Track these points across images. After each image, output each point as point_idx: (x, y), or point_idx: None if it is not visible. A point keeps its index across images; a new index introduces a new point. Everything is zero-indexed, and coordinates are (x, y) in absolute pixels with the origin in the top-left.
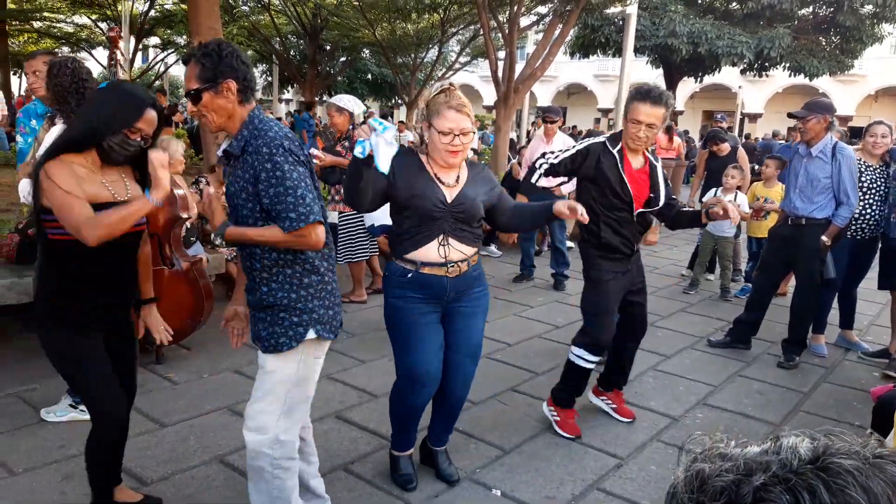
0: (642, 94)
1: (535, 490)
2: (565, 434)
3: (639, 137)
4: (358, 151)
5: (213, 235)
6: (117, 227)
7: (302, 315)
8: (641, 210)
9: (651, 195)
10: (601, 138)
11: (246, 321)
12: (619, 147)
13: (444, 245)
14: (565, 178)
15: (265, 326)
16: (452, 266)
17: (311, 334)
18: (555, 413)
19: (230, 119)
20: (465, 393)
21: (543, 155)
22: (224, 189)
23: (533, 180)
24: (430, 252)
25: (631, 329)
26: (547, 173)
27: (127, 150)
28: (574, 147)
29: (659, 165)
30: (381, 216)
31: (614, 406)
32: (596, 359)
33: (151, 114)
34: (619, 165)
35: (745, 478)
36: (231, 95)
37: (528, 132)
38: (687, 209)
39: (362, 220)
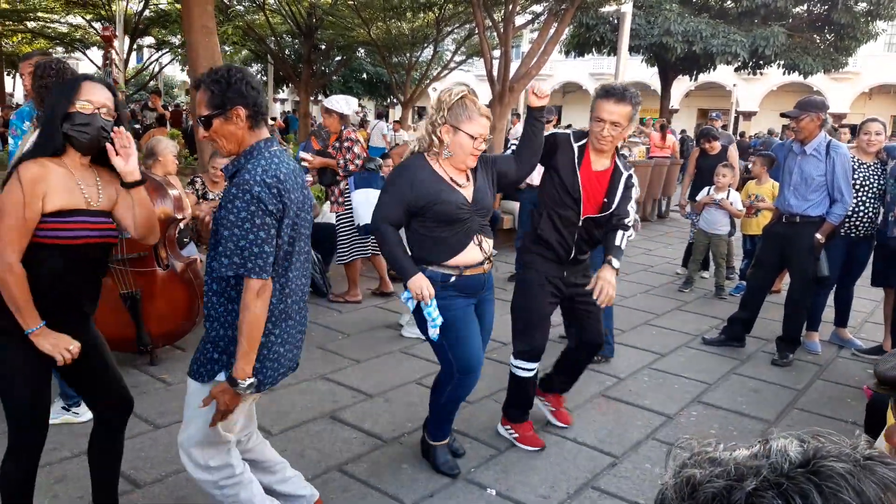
0: (606, 91)
1: (529, 489)
2: (529, 448)
3: (603, 136)
4: (403, 297)
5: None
6: (4, 289)
7: (222, 355)
8: (591, 216)
9: (605, 201)
10: (567, 130)
11: None
12: (581, 143)
13: (479, 245)
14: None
15: (197, 351)
16: (487, 262)
17: (221, 377)
18: (511, 430)
19: (240, 145)
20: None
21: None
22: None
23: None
24: (470, 255)
25: (583, 339)
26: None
27: (87, 130)
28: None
29: (627, 175)
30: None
31: (553, 409)
32: (533, 366)
33: (91, 85)
34: (576, 161)
35: (736, 483)
36: (241, 122)
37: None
38: (612, 236)
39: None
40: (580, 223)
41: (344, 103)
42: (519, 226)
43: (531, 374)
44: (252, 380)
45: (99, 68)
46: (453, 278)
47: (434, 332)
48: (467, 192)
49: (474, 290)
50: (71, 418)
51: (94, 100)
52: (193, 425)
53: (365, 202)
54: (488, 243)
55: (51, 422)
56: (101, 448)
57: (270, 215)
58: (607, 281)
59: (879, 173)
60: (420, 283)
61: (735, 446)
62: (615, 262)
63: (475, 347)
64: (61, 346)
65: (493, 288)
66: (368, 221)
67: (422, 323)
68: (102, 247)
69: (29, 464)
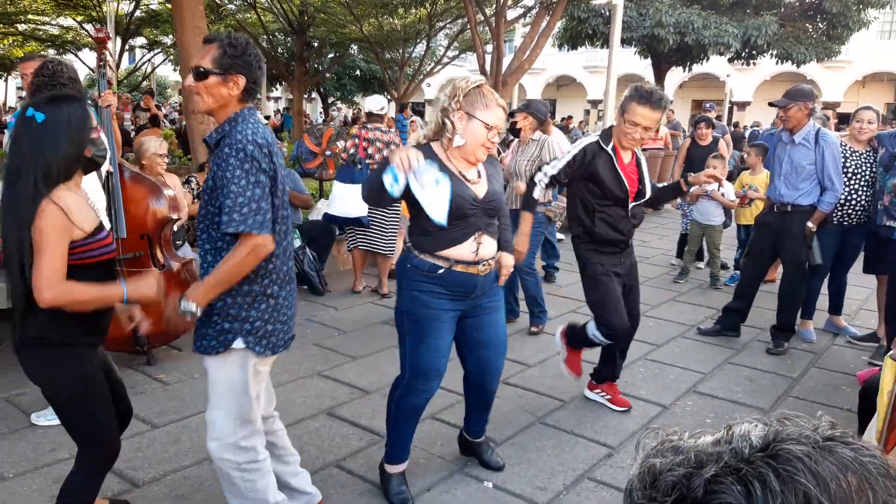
0: (644, 97)
1: (526, 481)
2: (617, 408)
3: (634, 139)
4: (388, 182)
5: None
6: (78, 304)
7: (234, 322)
8: (634, 203)
9: (640, 188)
10: (593, 137)
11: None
12: (611, 145)
13: (479, 242)
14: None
15: (199, 325)
16: (484, 264)
17: (238, 343)
18: (602, 393)
19: (222, 109)
20: (497, 385)
21: (540, 168)
22: None
23: (535, 196)
24: (464, 250)
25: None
26: (548, 185)
27: (103, 153)
28: (569, 153)
29: (643, 158)
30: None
31: (609, 397)
32: (607, 342)
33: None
34: (615, 162)
35: (696, 471)
36: (236, 90)
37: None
38: (665, 184)
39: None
40: (629, 214)
41: (373, 102)
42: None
43: (601, 343)
44: (194, 310)
45: (91, 70)
46: (441, 270)
47: (387, 180)
48: (478, 187)
49: (463, 292)
50: None
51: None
52: (225, 402)
53: (340, 197)
54: (489, 245)
55: (48, 423)
56: None
57: (264, 173)
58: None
59: (871, 161)
60: (402, 153)
61: (700, 433)
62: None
63: (437, 353)
64: (153, 284)
65: (502, 295)
66: (337, 214)
67: (400, 320)
68: (114, 259)
69: (101, 482)
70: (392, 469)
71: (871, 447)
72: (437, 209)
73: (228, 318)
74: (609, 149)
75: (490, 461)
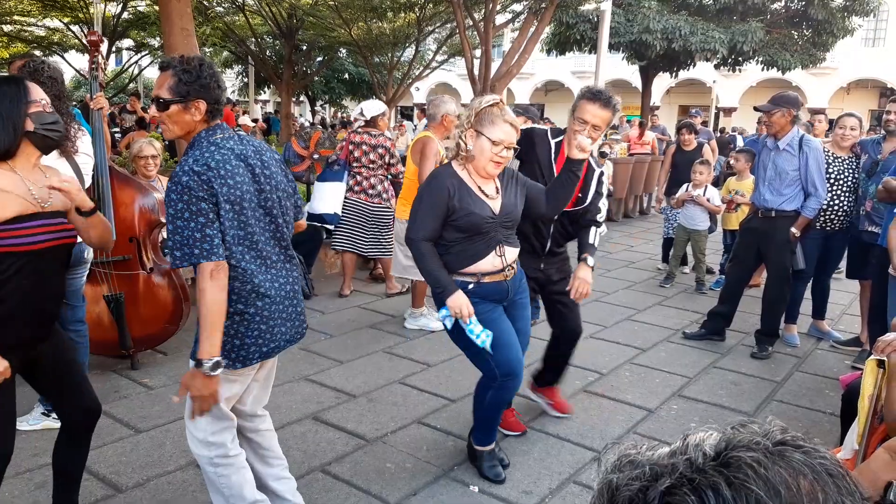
0: (593, 94)
1: (512, 485)
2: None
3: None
4: (441, 315)
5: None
6: None
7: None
8: (566, 210)
9: (579, 195)
10: (545, 126)
11: None
12: (558, 140)
13: (500, 255)
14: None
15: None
16: (509, 270)
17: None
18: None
19: (189, 134)
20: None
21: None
22: None
23: None
24: (489, 263)
25: (561, 331)
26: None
27: (57, 128)
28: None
29: (599, 172)
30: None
31: (550, 402)
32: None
33: (33, 84)
34: (553, 156)
35: (651, 483)
36: (198, 115)
37: None
38: (585, 234)
39: None
40: (556, 217)
41: (371, 107)
42: None
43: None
44: (217, 359)
45: (78, 72)
46: (471, 286)
47: (487, 343)
48: (495, 203)
49: (498, 298)
50: (51, 424)
51: (45, 98)
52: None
53: (321, 196)
54: (512, 253)
55: (31, 427)
56: (64, 453)
57: (204, 201)
58: (583, 280)
59: (854, 167)
60: (459, 302)
61: (658, 446)
62: (590, 261)
63: (515, 350)
64: None
65: (527, 291)
66: (322, 212)
67: (457, 335)
68: (62, 248)
69: None
70: (483, 448)
71: (822, 449)
72: (484, 343)
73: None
74: (553, 142)
75: (498, 456)
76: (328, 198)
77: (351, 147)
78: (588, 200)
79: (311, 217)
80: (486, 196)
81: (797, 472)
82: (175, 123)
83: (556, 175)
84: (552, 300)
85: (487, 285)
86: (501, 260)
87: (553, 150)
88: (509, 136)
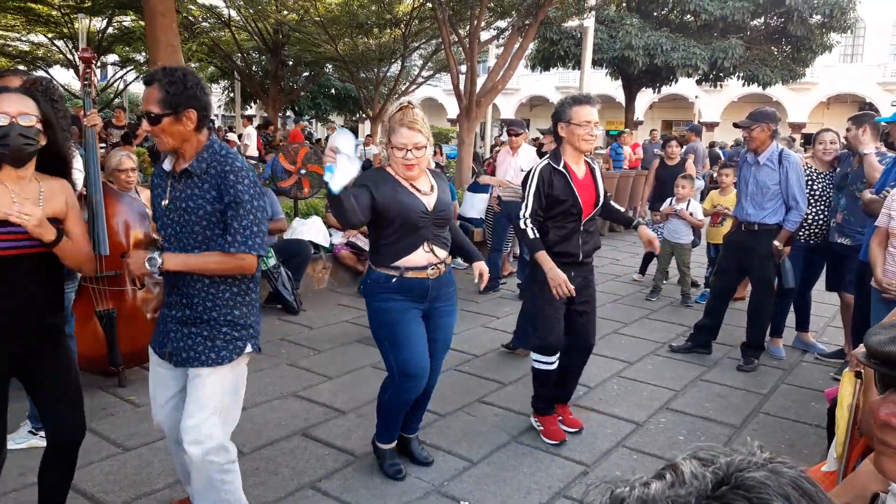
0: (583, 98)
1: (502, 500)
2: (550, 441)
3: (593, 136)
4: (326, 178)
5: (145, 261)
6: None
7: (242, 330)
8: (589, 216)
9: (597, 198)
10: (543, 161)
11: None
12: (562, 163)
13: (428, 251)
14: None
15: (202, 341)
16: (433, 268)
17: (248, 348)
18: (538, 423)
19: (185, 142)
20: (435, 381)
21: (518, 217)
22: (166, 203)
23: (531, 237)
24: (415, 258)
25: (575, 342)
26: (535, 223)
27: (7, 142)
28: (530, 182)
29: (597, 166)
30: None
31: (560, 418)
32: (551, 359)
33: (3, 96)
34: (570, 181)
35: None
36: (190, 124)
37: (493, 147)
38: (618, 212)
39: None
40: (581, 227)
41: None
42: (494, 237)
43: (549, 367)
44: (159, 260)
45: (63, 87)
46: (394, 279)
47: (326, 177)
48: (428, 199)
49: (421, 297)
50: (37, 442)
51: (8, 110)
52: (225, 405)
53: (472, 204)
54: (441, 252)
55: (17, 446)
56: (50, 472)
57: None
58: (654, 237)
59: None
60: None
61: (644, 480)
62: (642, 221)
63: (416, 353)
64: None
65: (455, 301)
66: (471, 216)
67: (378, 327)
68: (34, 257)
69: None
70: (386, 446)
71: (796, 465)
72: (340, 182)
73: (237, 327)
74: (561, 167)
75: (420, 456)
76: (478, 204)
77: None
78: (604, 190)
79: (462, 219)
80: (420, 191)
81: (797, 486)
82: (169, 135)
83: (578, 198)
84: (570, 310)
85: (409, 280)
86: (428, 256)
87: (568, 176)
88: (410, 137)
